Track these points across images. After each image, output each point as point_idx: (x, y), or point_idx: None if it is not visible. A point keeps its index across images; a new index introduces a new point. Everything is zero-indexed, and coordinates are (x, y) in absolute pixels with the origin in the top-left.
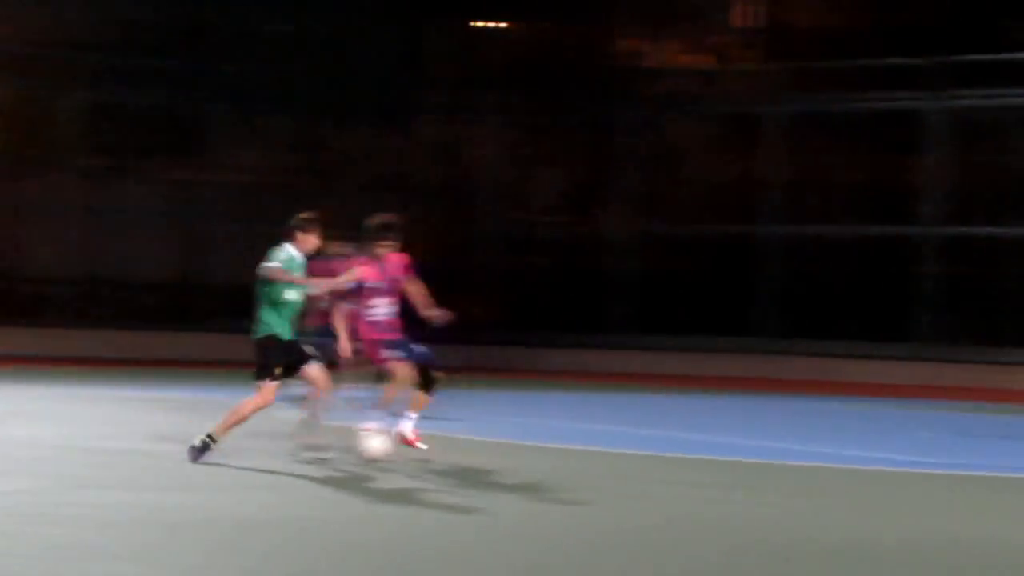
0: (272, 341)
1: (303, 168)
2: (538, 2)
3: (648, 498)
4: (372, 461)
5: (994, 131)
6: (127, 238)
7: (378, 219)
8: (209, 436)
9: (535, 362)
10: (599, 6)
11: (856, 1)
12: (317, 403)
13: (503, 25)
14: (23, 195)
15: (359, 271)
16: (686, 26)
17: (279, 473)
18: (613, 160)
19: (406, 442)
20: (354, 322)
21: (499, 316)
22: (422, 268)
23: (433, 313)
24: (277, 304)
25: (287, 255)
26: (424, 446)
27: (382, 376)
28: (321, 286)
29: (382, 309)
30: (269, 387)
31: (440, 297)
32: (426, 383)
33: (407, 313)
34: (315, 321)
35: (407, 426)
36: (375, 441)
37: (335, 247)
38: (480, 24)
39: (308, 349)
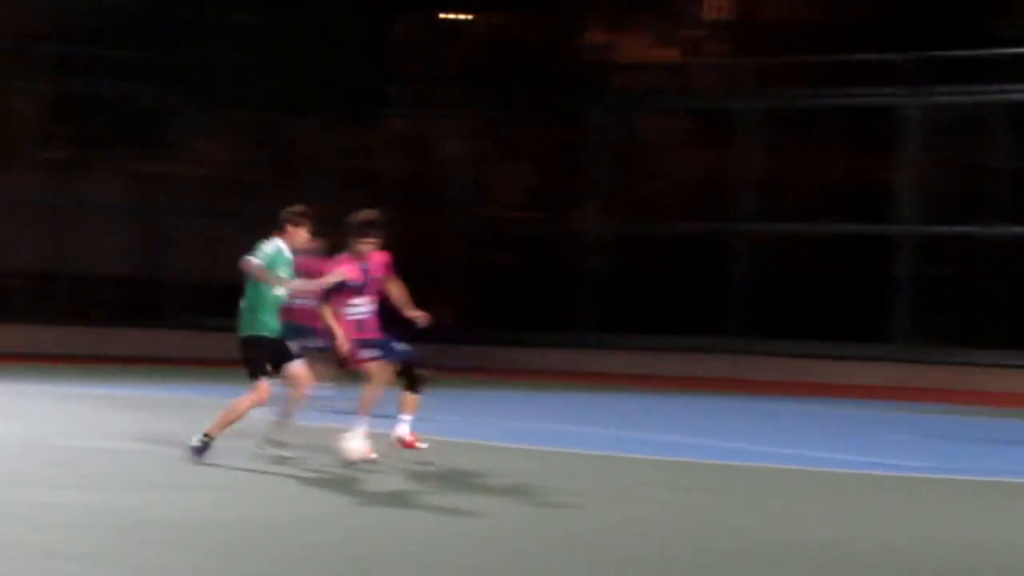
0: (259, 338)
1: (267, 162)
2: None
3: (613, 501)
4: (350, 463)
5: (972, 128)
6: (87, 232)
7: (360, 215)
8: (206, 435)
9: (501, 361)
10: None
11: None
12: (294, 403)
13: (471, 18)
14: None
15: (342, 269)
16: (657, 20)
17: (239, 472)
18: (582, 156)
19: (406, 445)
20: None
21: (464, 314)
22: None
23: (416, 314)
24: (263, 300)
25: (274, 249)
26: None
27: (358, 376)
28: (305, 286)
29: (362, 308)
30: (264, 384)
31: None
32: (411, 382)
33: (387, 312)
34: (295, 318)
35: (404, 429)
36: (353, 443)
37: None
38: (448, 16)
39: (292, 347)
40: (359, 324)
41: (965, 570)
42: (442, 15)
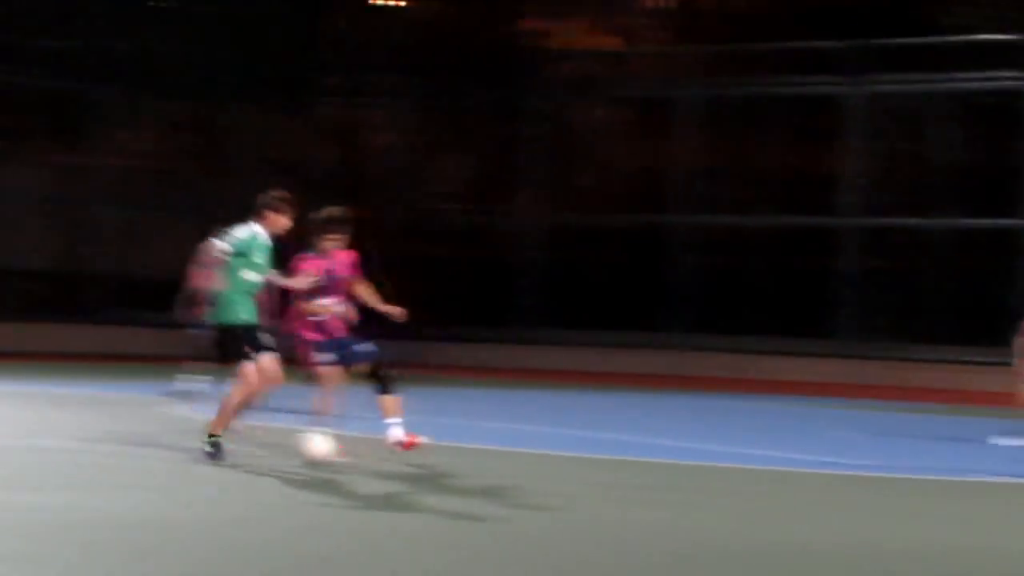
0: (237, 326)
1: (195, 152)
2: None
3: (553, 501)
4: (313, 464)
5: (915, 118)
6: (8, 224)
7: (325, 212)
8: (211, 436)
9: (437, 357)
10: None
11: None
12: (256, 395)
13: (403, 4)
14: None
15: (311, 269)
16: (595, 6)
17: (171, 471)
18: (518, 146)
19: (406, 447)
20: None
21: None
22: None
23: (390, 308)
24: (238, 286)
25: (248, 234)
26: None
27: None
28: (280, 281)
29: (328, 307)
30: (250, 371)
31: None
32: (380, 382)
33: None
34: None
35: (396, 432)
36: (315, 442)
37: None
38: (380, 3)
39: (265, 338)
40: (318, 325)
41: (914, 571)
42: (373, 1)
